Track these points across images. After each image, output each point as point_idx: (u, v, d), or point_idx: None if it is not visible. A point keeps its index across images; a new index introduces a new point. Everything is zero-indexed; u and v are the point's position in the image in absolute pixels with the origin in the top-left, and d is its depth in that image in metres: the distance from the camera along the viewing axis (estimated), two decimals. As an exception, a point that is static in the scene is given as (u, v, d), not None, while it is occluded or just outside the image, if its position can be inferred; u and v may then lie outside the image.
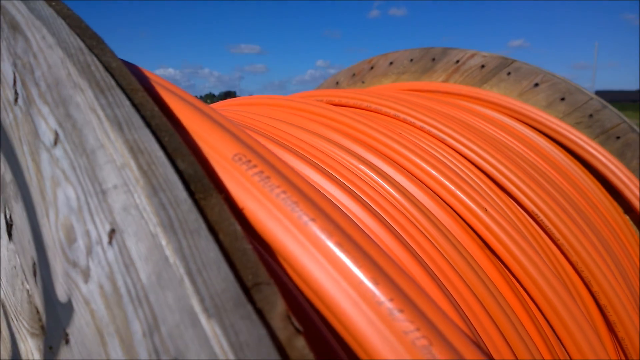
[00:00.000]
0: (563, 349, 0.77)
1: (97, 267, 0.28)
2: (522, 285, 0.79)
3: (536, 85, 1.36)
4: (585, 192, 1.20)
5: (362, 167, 0.82)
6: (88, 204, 0.28)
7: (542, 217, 0.94)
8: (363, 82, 1.79)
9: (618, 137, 1.27)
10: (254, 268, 0.25)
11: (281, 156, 0.66)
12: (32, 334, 0.40)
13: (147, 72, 0.37)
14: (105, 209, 0.27)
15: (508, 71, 1.41)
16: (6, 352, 0.48)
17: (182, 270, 0.22)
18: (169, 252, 0.23)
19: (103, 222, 0.27)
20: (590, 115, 1.29)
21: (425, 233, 0.73)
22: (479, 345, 0.53)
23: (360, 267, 0.26)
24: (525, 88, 1.38)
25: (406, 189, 0.83)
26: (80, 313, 0.32)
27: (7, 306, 0.44)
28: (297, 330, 0.24)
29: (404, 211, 0.76)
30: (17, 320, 0.43)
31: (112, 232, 0.27)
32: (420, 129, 1.05)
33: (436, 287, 0.58)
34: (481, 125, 1.19)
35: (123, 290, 0.27)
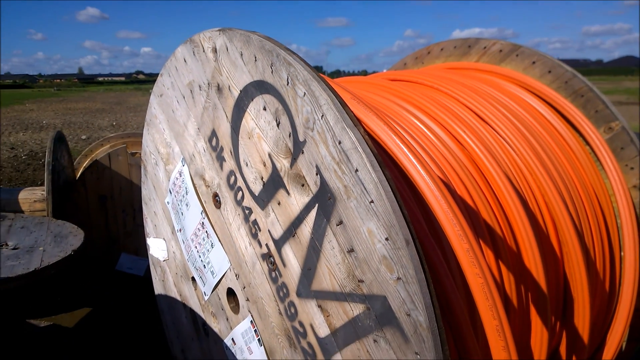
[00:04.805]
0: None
1: (317, 124, 1.12)
2: (489, 183, 1.55)
3: (533, 62, 2.05)
4: (557, 131, 1.90)
5: (409, 115, 1.61)
6: (315, 110, 1.12)
7: (511, 143, 1.68)
8: (423, 63, 2.54)
9: (582, 96, 1.94)
10: (365, 133, 1.07)
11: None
12: (285, 158, 1.26)
13: (326, 77, 1.20)
14: (320, 110, 1.10)
15: (516, 54, 2.10)
16: (262, 177, 1.35)
17: (343, 121, 1.05)
18: (344, 124, 1.06)
19: (319, 113, 1.11)
20: (566, 82, 1.97)
21: (439, 151, 1.52)
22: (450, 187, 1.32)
23: (390, 130, 1.08)
24: (527, 65, 2.07)
25: (432, 127, 1.61)
26: (309, 141, 1.16)
27: (240, 160, 1.30)
28: (376, 145, 1.06)
29: (430, 139, 1.55)
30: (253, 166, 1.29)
31: (322, 116, 1.10)
32: (445, 93, 1.81)
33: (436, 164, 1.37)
34: (487, 89, 1.92)
35: (325, 129, 1.10)
